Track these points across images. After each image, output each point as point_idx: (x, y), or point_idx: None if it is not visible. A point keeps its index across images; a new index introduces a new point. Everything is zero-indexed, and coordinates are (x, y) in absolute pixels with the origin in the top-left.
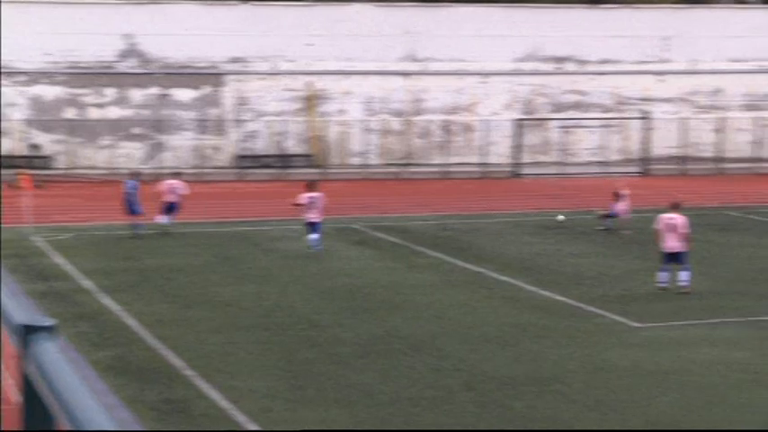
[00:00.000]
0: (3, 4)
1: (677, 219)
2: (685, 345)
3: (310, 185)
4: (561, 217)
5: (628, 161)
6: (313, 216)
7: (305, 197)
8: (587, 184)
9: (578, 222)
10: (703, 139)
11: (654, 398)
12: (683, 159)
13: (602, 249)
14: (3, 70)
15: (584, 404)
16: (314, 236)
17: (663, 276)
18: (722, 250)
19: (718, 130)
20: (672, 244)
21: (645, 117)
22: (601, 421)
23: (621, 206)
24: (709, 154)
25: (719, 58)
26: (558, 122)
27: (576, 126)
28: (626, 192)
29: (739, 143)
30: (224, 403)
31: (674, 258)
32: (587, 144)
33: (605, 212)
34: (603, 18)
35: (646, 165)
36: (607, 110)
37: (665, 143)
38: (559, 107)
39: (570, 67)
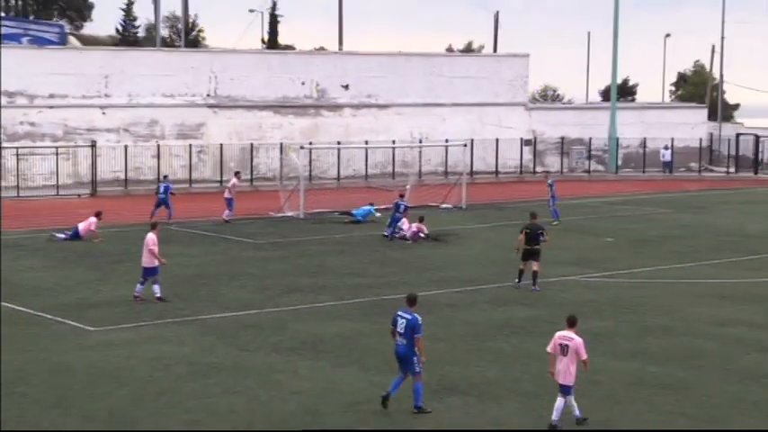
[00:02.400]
0: None
1: (148, 237)
2: (136, 344)
3: None
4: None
5: (79, 184)
6: None
7: None
8: (43, 206)
9: (36, 239)
10: (144, 164)
11: (110, 393)
12: (126, 182)
13: (58, 263)
14: None
15: (47, 403)
16: None
17: (138, 289)
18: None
19: (156, 156)
20: (145, 259)
21: (92, 145)
22: (64, 417)
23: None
24: (149, 177)
25: (155, 93)
26: (12, 151)
27: (30, 154)
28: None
29: (175, 167)
30: None
31: (149, 272)
32: (41, 170)
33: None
34: (50, 57)
35: (95, 187)
36: (57, 139)
37: (110, 168)
38: (13, 137)
39: (21, 101)
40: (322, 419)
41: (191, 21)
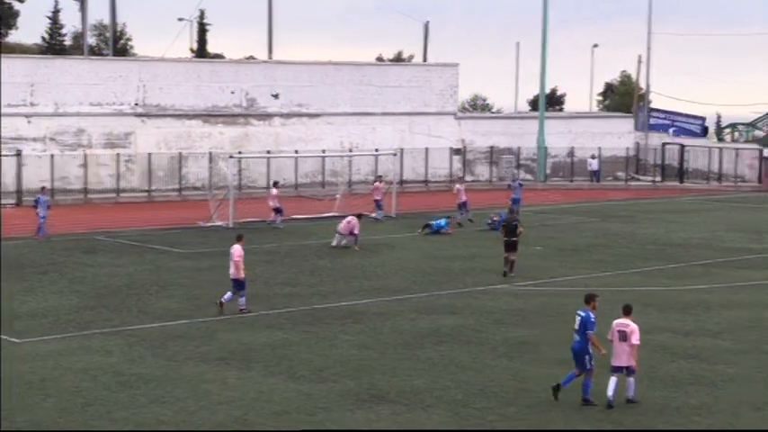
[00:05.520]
0: None
1: (233, 249)
2: (63, 355)
3: None
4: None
5: (4, 194)
6: None
7: None
8: None
9: None
10: (71, 173)
11: (36, 404)
12: (53, 191)
13: None
14: None
15: None
16: None
17: (227, 296)
18: (91, 270)
19: (83, 165)
20: (232, 271)
21: (17, 154)
22: None
23: None
24: (77, 186)
25: (82, 102)
26: None
27: None
28: None
29: (102, 176)
30: None
31: (236, 285)
32: None
33: None
34: None
35: (20, 197)
36: None
37: (37, 177)
38: None
39: None
40: (251, 429)
41: (119, 29)
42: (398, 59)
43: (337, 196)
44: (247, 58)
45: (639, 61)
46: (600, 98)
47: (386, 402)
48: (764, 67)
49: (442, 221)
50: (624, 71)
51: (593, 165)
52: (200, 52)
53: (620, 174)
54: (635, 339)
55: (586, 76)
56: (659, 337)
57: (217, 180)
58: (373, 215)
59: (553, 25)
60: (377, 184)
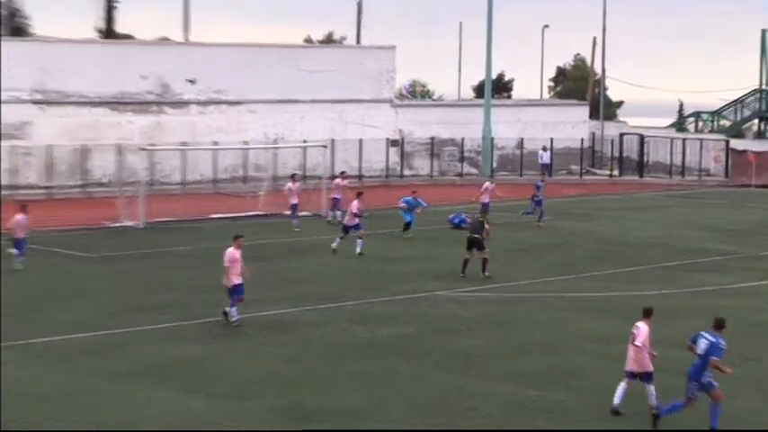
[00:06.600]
0: None
1: (226, 253)
2: None
3: None
4: None
5: None
6: None
7: None
8: None
9: None
10: None
11: None
12: None
13: None
14: None
15: None
16: None
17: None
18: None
19: None
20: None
21: None
22: None
23: None
24: None
25: None
26: None
27: None
28: None
29: None
30: None
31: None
32: None
33: None
34: None
35: None
36: None
37: None
38: None
39: None
40: None
41: (13, 6)
42: (329, 41)
43: (261, 193)
44: (161, 40)
45: (594, 44)
46: (551, 84)
47: (316, 422)
48: (732, 50)
49: (417, 202)
50: (578, 54)
51: (545, 157)
52: (108, 32)
53: (575, 167)
54: (638, 341)
55: (536, 59)
56: (617, 348)
57: (126, 175)
58: (330, 215)
59: (499, 3)
60: (337, 180)
